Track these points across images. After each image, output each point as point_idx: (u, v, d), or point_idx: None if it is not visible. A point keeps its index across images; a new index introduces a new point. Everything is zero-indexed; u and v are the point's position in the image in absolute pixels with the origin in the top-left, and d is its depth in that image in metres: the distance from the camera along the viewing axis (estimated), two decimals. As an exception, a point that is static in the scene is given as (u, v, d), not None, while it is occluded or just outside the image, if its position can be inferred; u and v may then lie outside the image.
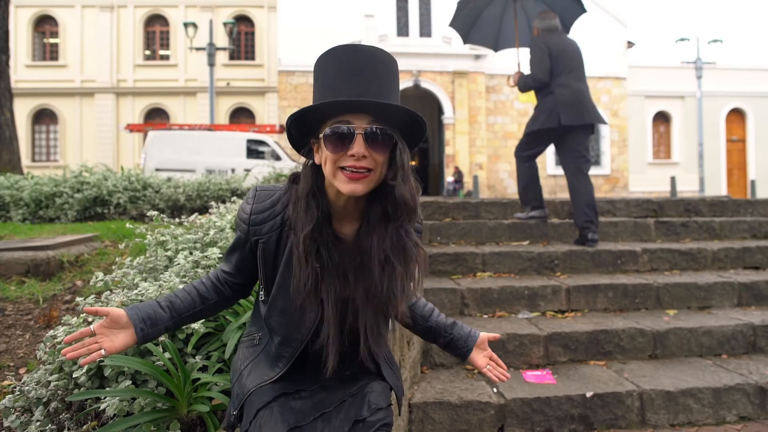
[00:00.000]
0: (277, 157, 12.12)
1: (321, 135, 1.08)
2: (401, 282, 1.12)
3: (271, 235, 1.17)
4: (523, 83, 4.50)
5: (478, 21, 5.41)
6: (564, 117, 4.19)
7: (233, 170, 11.33)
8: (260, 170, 9.11)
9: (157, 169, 10.79)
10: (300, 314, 1.16)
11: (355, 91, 1.03)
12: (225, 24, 15.33)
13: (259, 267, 1.21)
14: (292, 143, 1.18)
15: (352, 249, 1.15)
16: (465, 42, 5.79)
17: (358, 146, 1.03)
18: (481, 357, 1.50)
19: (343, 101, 1.03)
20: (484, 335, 1.50)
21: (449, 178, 18.01)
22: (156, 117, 20.67)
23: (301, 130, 1.14)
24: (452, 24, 5.47)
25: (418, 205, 1.14)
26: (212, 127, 13.31)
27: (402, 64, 15.51)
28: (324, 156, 1.08)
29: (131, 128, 14.80)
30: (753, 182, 11.99)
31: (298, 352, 1.20)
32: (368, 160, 1.05)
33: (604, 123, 4.44)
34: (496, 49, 5.59)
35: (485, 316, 3.42)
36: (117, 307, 1.74)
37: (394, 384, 1.30)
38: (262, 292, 1.25)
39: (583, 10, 4.83)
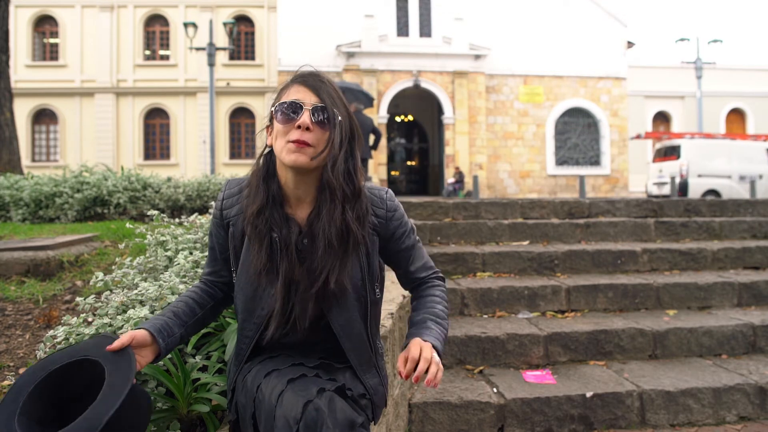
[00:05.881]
0: None
1: (273, 108, 1.20)
2: (339, 265, 1.20)
3: (238, 218, 1.26)
4: None
5: None
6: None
7: (761, 177, 12.65)
8: None
9: (699, 175, 12.48)
10: (258, 292, 1.22)
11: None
12: (225, 24, 15.32)
13: (229, 247, 1.29)
14: None
15: (305, 231, 1.22)
16: None
17: (305, 118, 1.16)
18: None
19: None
20: (413, 346, 1.18)
21: (450, 179, 18.03)
22: (156, 117, 20.67)
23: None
24: None
25: (360, 189, 1.23)
26: (727, 136, 14.57)
27: (402, 64, 15.76)
28: (275, 131, 1.20)
29: (648, 136, 15.86)
30: (753, 182, 11.97)
31: (260, 330, 1.24)
32: (310, 135, 1.16)
33: (368, 157, 8.09)
34: None
35: (485, 316, 3.42)
36: (116, 306, 1.74)
37: (370, 384, 1.27)
38: (234, 272, 1.29)
39: (371, 105, 9.39)
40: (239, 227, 1.25)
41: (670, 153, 13.63)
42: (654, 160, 14.32)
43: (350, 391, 1.18)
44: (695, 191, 12.48)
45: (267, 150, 1.27)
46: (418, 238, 1.39)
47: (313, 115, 1.16)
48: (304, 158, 1.16)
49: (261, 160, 1.26)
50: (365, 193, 1.25)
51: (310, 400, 1.07)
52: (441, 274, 1.41)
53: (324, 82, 1.21)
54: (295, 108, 1.17)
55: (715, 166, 12.85)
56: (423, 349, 1.14)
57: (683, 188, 12.63)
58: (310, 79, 1.21)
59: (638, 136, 15.99)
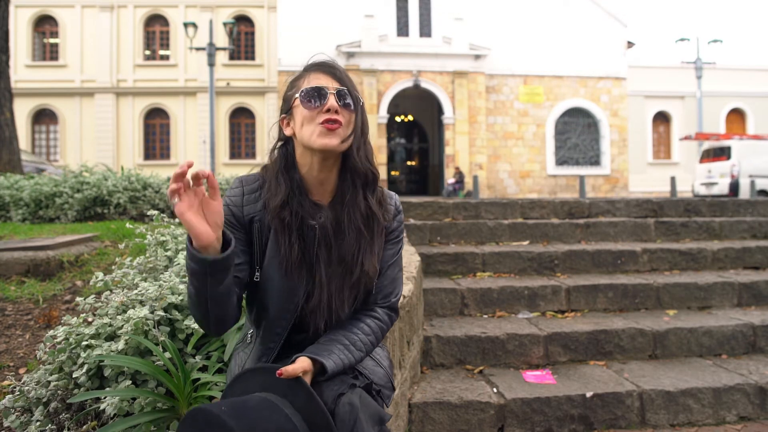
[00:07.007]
0: None
1: (297, 95, 1.19)
2: (369, 249, 1.23)
3: (264, 213, 1.22)
4: None
5: None
6: None
7: None
8: None
9: (750, 176, 12.78)
10: (290, 283, 1.20)
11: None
12: (225, 24, 15.32)
13: (254, 243, 1.23)
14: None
15: (330, 216, 1.22)
16: None
17: (332, 101, 1.16)
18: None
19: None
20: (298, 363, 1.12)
21: (450, 179, 18.04)
22: (156, 117, 20.68)
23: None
24: None
25: (377, 173, 1.25)
26: None
27: (402, 64, 15.85)
28: (300, 118, 1.18)
29: (698, 137, 15.96)
30: (753, 182, 11.99)
31: (291, 325, 1.21)
32: (339, 116, 1.17)
33: None
34: None
35: (485, 316, 3.42)
36: (116, 306, 1.74)
37: (366, 367, 1.26)
38: (258, 273, 1.23)
39: None
40: (265, 222, 1.21)
41: (718, 154, 13.85)
42: (701, 161, 14.58)
43: (376, 386, 1.21)
44: (746, 192, 12.70)
45: (280, 143, 1.26)
46: (403, 265, 1.37)
47: (339, 98, 1.18)
48: (336, 140, 1.16)
49: (276, 153, 1.26)
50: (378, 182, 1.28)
51: (342, 393, 1.09)
52: (395, 307, 1.32)
53: (340, 68, 1.23)
54: (320, 93, 1.17)
55: (765, 167, 13.12)
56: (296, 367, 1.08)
57: (734, 188, 12.86)
58: (327, 66, 1.22)
59: (688, 137, 16.17)
